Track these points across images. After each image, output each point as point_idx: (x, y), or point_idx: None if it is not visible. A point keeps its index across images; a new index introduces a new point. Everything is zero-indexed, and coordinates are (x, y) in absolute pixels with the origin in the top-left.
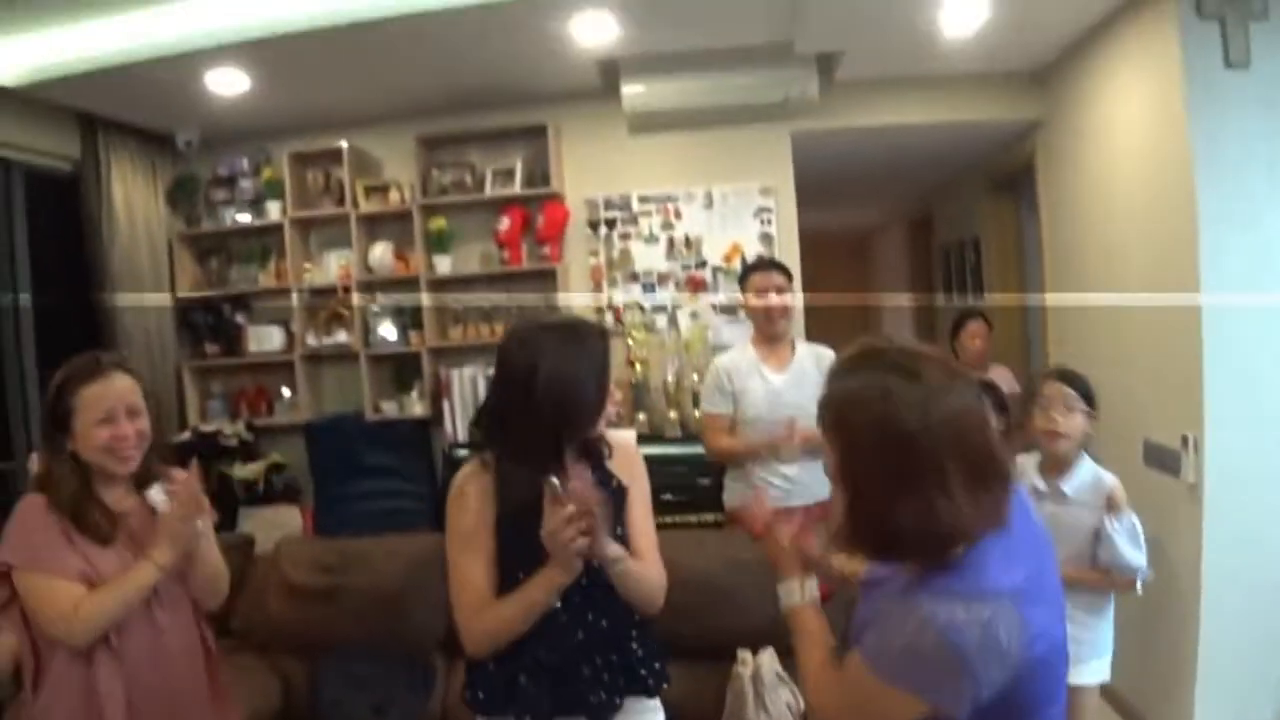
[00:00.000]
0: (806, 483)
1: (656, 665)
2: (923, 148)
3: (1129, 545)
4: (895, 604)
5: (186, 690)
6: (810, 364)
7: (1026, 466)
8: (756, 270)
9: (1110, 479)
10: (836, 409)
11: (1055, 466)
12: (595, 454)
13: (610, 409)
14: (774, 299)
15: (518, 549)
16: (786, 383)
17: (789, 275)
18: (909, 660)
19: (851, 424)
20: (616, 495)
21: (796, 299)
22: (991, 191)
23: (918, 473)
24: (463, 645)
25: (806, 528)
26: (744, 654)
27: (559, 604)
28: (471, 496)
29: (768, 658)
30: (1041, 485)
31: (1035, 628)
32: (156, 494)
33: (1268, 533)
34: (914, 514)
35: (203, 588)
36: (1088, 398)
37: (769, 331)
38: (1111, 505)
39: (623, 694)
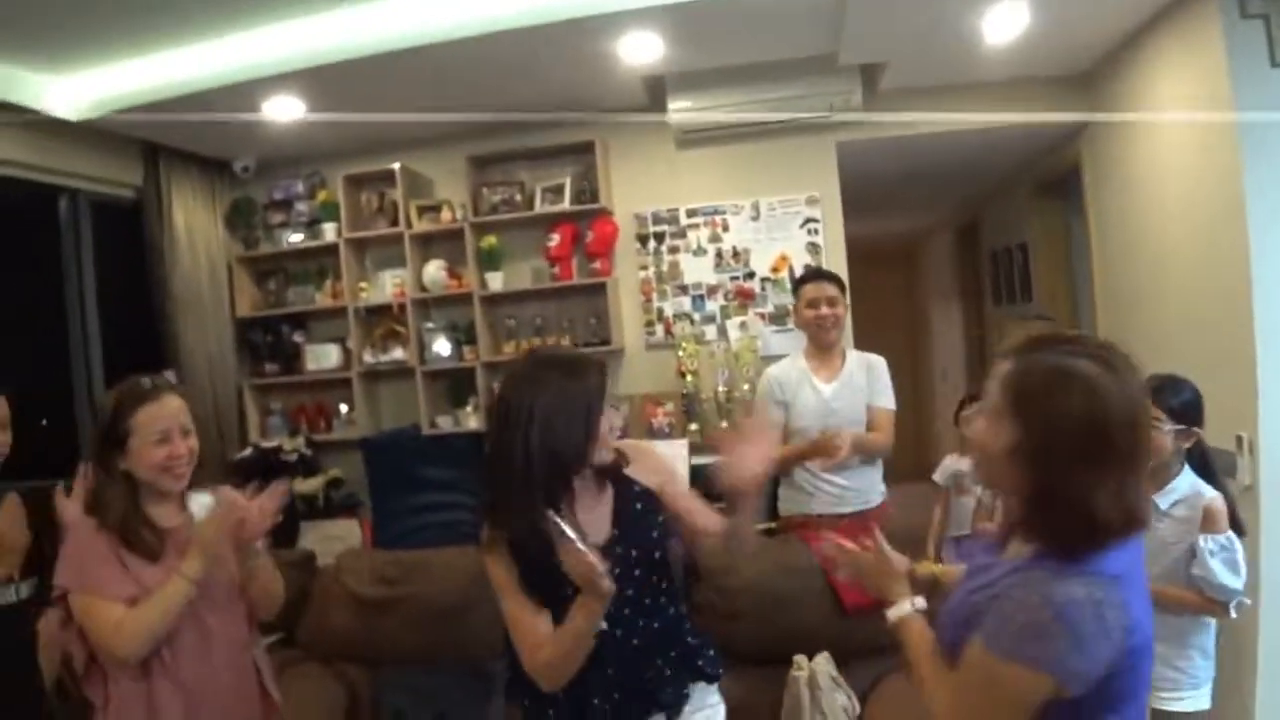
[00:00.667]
0: (858, 489)
1: (710, 653)
2: (968, 154)
3: (1223, 565)
4: (1013, 584)
5: (236, 693)
6: (860, 373)
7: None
8: (809, 281)
9: (1209, 494)
10: (1031, 388)
11: (1149, 481)
12: (614, 472)
13: (661, 419)
14: (826, 310)
15: (549, 584)
16: (836, 392)
17: (842, 286)
18: (1029, 634)
19: (1050, 404)
20: (646, 498)
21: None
22: (1038, 196)
23: (1118, 455)
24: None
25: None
26: (800, 659)
27: (605, 624)
28: (496, 552)
29: (823, 662)
30: None
31: (1134, 616)
32: (196, 503)
33: None
34: (1113, 495)
35: (258, 600)
36: (1178, 414)
37: (821, 342)
38: (1207, 522)
39: (687, 684)
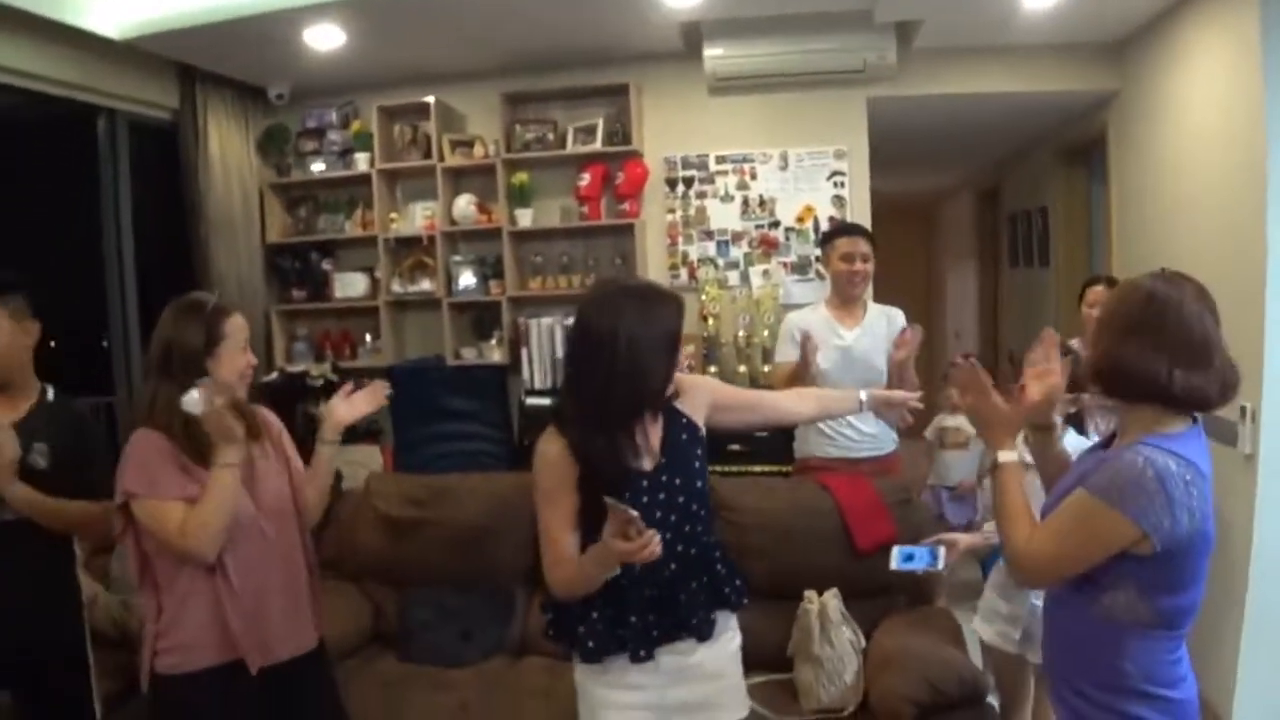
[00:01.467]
0: (874, 436)
1: (737, 582)
2: (996, 117)
3: None
4: (1123, 453)
5: (290, 596)
6: (881, 325)
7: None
8: (843, 234)
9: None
10: (1108, 300)
11: None
12: (665, 403)
13: (682, 361)
14: (859, 265)
15: (596, 507)
16: (858, 339)
17: (873, 242)
18: (1131, 488)
19: (1117, 303)
20: (690, 429)
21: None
22: (1062, 161)
23: (1168, 335)
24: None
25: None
26: (810, 593)
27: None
28: (551, 458)
29: (832, 597)
30: (1029, 459)
31: (1209, 510)
32: (190, 398)
33: None
34: (1158, 363)
35: (313, 498)
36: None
37: (848, 294)
38: None
39: (714, 610)
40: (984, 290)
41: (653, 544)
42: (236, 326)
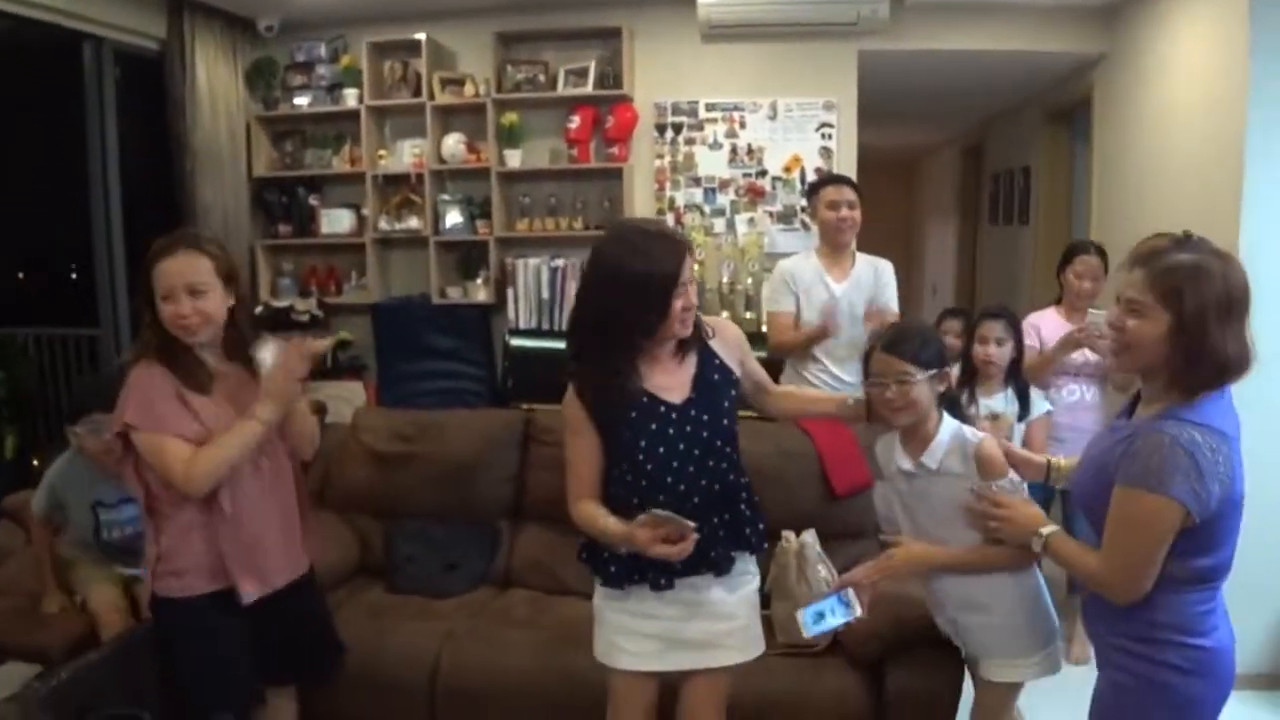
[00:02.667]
0: (856, 385)
1: (760, 526)
2: (985, 75)
3: None
4: (1144, 435)
5: (283, 527)
6: (869, 275)
7: (892, 446)
8: (830, 184)
9: (975, 437)
10: (1177, 282)
11: (914, 442)
12: (700, 342)
13: (690, 298)
14: (846, 213)
15: (614, 440)
16: (845, 292)
17: (859, 191)
18: (1165, 467)
19: (1196, 289)
20: (724, 372)
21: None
22: (1047, 122)
23: (1240, 317)
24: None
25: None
26: (788, 534)
27: (670, 478)
28: (569, 398)
29: (810, 537)
30: (908, 465)
31: (1235, 469)
32: (264, 353)
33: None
34: (1236, 344)
35: (297, 440)
36: (929, 363)
37: (837, 243)
38: (985, 468)
39: (733, 550)
40: (963, 246)
41: (689, 544)
42: (160, 274)
